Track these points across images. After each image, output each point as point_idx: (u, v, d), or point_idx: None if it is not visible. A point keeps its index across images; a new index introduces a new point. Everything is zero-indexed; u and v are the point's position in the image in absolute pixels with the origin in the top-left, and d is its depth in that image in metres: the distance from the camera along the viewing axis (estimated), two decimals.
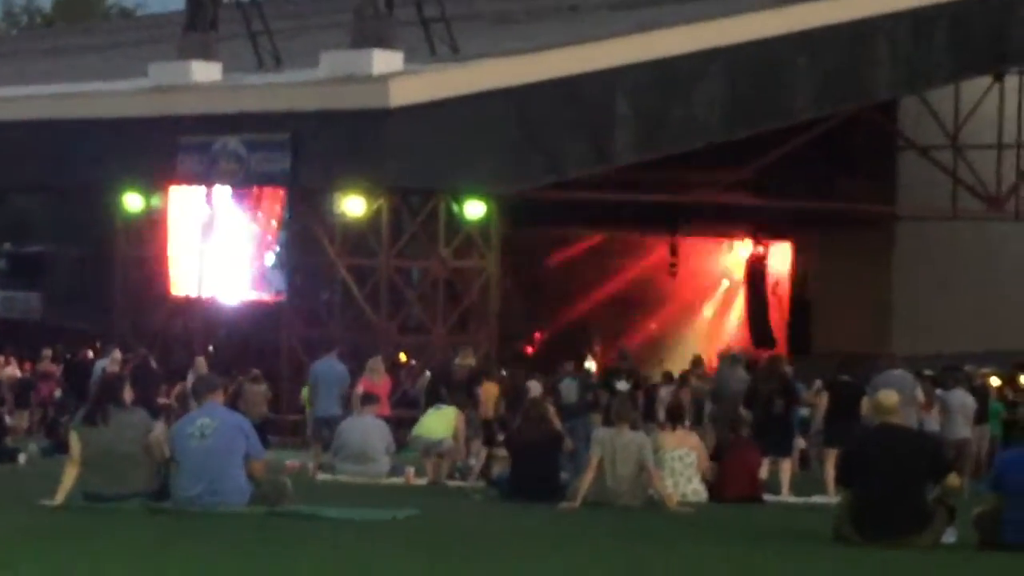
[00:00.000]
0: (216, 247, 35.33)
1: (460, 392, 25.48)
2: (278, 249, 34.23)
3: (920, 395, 23.36)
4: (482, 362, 28.78)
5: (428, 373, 29.85)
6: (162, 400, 29.23)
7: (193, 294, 36.12)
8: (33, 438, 29.73)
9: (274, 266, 34.41)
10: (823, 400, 23.23)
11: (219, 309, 36.21)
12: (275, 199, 34.16)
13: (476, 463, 22.02)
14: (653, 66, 34.04)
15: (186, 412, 18.82)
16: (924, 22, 36.55)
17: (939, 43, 36.65)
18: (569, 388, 26.55)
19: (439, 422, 21.78)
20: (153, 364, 30.93)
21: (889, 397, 13.23)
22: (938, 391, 25.34)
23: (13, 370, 34.22)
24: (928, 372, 26.68)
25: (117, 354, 30.90)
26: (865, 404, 20.26)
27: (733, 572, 10.80)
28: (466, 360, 26.43)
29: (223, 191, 34.90)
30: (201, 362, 29.80)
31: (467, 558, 11.04)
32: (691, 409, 25.84)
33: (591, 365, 36.17)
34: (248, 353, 36.42)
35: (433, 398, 26.68)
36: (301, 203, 33.91)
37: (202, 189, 35.16)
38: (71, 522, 12.62)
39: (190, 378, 28.74)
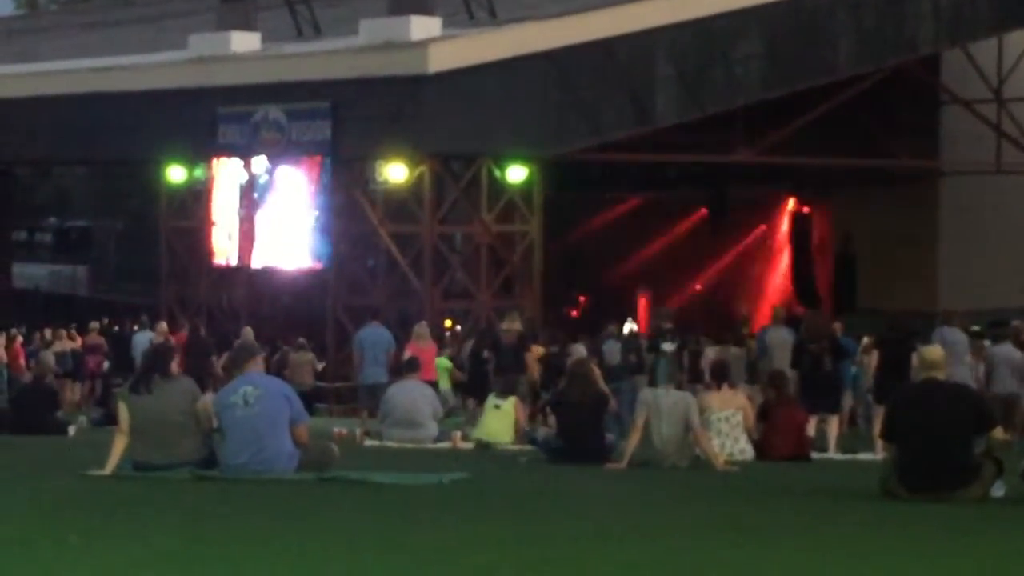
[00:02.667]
0: (259, 217, 35.43)
1: (508, 356, 25.44)
2: (316, 215, 34.30)
3: (970, 357, 23.34)
4: (527, 326, 28.79)
5: (471, 340, 29.84)
6: (215, 369, 29.45)
7: (240, 264, 36.23)
8: (83, 410, 29.97)
9: (314, 233, 34.49)
10: (873, 357, 23.21)
11: (264, 279, 36.35)
12: (311, 166, 34.23)
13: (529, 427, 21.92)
14: (692, 26, 33.89)
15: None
16: None
17: None
18: (612, 350, 26.53)
19: (502, 424, 21.03)
20: (204, 333, 31.13)
21: (933, 351, 13.12)
22: (985, 343, 25.28)
23: (64, 343, 34.41)
24: (975, 327, 26.59)
25: (163, 326, 31.11)
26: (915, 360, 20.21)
27: (780, 529, 10.80)
28: (513, 325, 26.40)
29: (264, 161, 35.00)
30: (248, 332, 29.95)
31: (517, 521, 11.07)
32: (744, 368, 25.82)
33: (634, 327, 36.16)
34: (294, 322, 36.59)
35: (477, 363, 26.74)
36: (343, 171, 33.95)
37: (254, 159, 35.26)
38: (119, 491, 12.71)
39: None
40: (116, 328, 36.83)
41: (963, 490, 12.38)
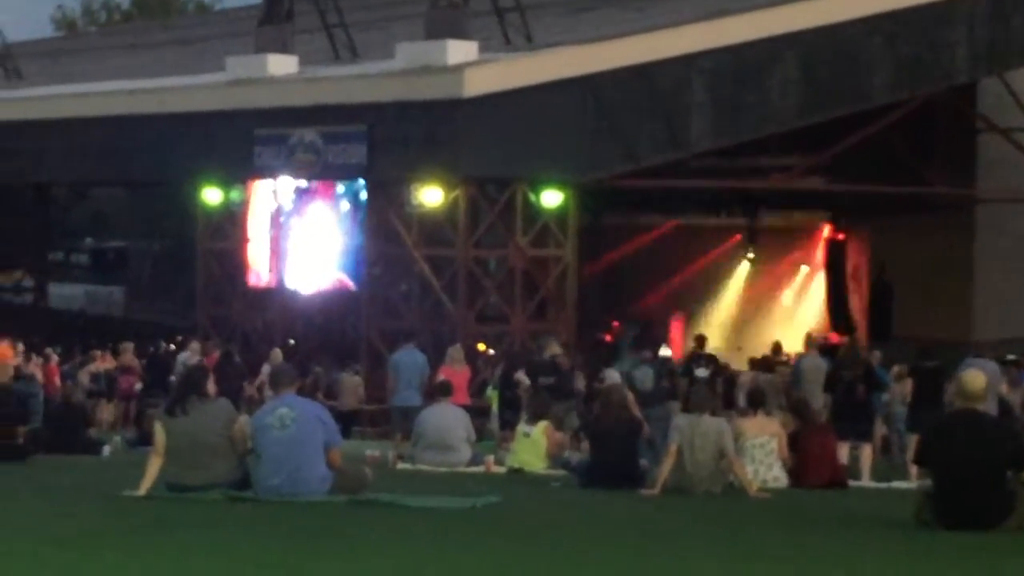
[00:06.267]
0: (293, 239, 35.57)
1: (568, 381, 25.49)
2: (344, 237, 34.62)
3: (1005, 388, 23.22)
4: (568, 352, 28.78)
5: (501, 365, 29.83)
6: (247, 392, 29.57)
7: (273, 286, 36.38)
8: (117, 431, 30.05)
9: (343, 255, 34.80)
10: (907, 385, 23.11)
11: (298, 301, 36.45)
12: (327, 190, 34.64)
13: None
14: (728, 52, 33.92)
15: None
16: (1002, 2, 36.20)
17: (1017, 23, 36.27)
18: (645, 375, 26.47)
19: (533, 452, 20.93)
20: (236, 357, 31.22)
21: (975, 380, 12.64)
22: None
23: (98, 364, 34.53)
24: (1011, 356, 26.49)
25: (196, 346, 31.22)
26: (951, 388, 20.12)
27: (813, 557, 10.77)
28: (552, 350, 26.40)
29: (298, 183, 35.15)
30: (277, 354, 30.09)
31: (549, 545, 11.06)
32: (779, 396, 25.77)
33: (667, 352, 36.12)
34: (328, 345, 36.66)
35: (507, 387, 26.72)
36: (378, 194, 34.03)
37: (279, 181, 35.43)
38: (154, 512, 12.75)
39: (265, 370, 29.04)
40: (151, 349, 36.92)
41: (999, 524, 12.20)
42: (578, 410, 25.47)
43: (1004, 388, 23.50)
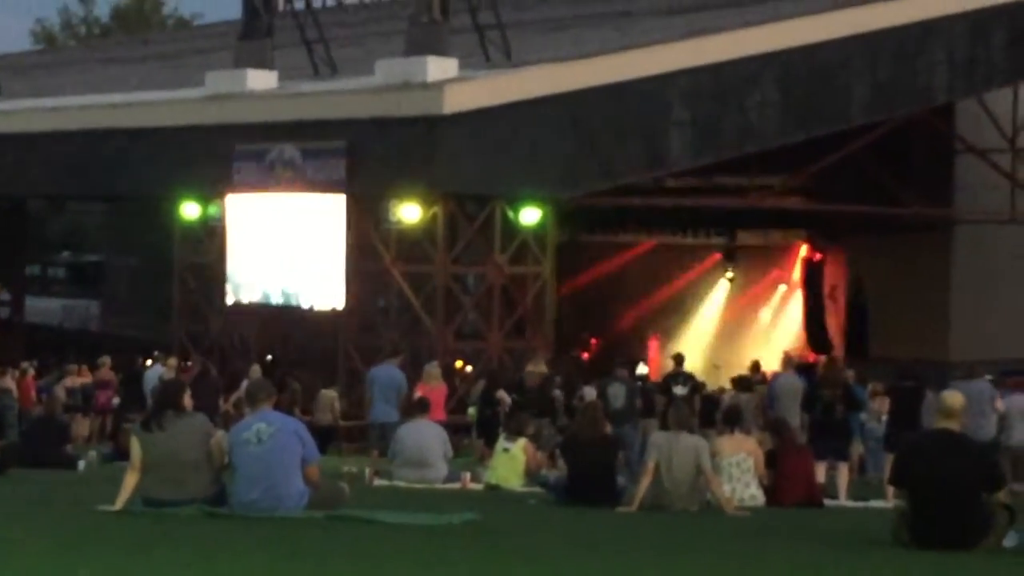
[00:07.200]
0: (271, 254, 35.50)
1: (533, 399, 25.48)
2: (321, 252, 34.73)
3: (1000, 405, 23.25)
4: (552, 369, 28.75)
5: (481, 381, 29.86)
6: (223, 407, 29.51)
7: (250, 301, 36.29)
8: (93, 445, 29.97)
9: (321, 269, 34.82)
10: (883, 403, 23.15)
11: (277, 316, 36.37)
12: (309, 203, 34.75)
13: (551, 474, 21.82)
14: (707, 71, 33.99)
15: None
16: (981, 24, 36.37)
17: (996, 44, 36.44)
18: (617, 393, 26.38)
19: (511, 468, 21.04)
20: (213, 372, 31.17)
21: (953, 399, 12.70)
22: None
23: (75, 378, 34.47)
24: (988, 377, 26.55)
25: (172, 361, 31.17)
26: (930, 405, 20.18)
27: (790, 574, 10.78)
28: (538, 367, 26.44)
29: (277, 198, 35.09)
30: (256, 370, 30.05)
31: (527, 562, 11.05)
32: (758, 414, 25.79)
33: (644, 370, 36.17)
34: (305, 360, 36.59)
35: (487, 404, 26.75)
36: (357, 210, 34.00)
37: (258, 197, 35.37)
38: (130, 527, 12.71)
39: (244, 385, 28.99)
40: (129, 364, 36.84)
41: (975, 544, 12.21)
42: (546, 429, 25.42)
43: (999, 404, 23.49)
